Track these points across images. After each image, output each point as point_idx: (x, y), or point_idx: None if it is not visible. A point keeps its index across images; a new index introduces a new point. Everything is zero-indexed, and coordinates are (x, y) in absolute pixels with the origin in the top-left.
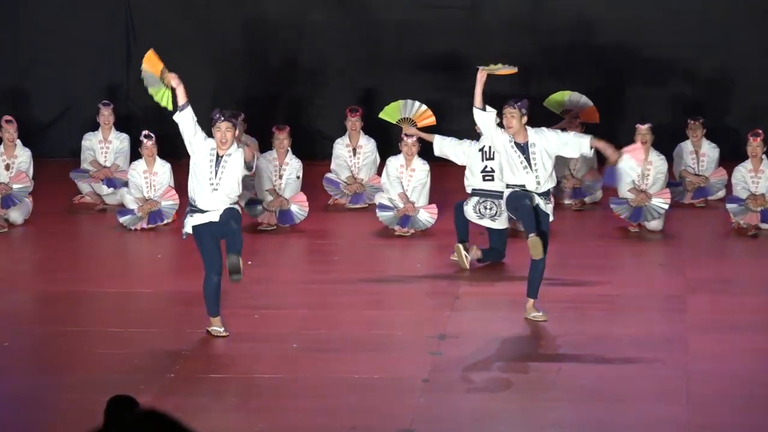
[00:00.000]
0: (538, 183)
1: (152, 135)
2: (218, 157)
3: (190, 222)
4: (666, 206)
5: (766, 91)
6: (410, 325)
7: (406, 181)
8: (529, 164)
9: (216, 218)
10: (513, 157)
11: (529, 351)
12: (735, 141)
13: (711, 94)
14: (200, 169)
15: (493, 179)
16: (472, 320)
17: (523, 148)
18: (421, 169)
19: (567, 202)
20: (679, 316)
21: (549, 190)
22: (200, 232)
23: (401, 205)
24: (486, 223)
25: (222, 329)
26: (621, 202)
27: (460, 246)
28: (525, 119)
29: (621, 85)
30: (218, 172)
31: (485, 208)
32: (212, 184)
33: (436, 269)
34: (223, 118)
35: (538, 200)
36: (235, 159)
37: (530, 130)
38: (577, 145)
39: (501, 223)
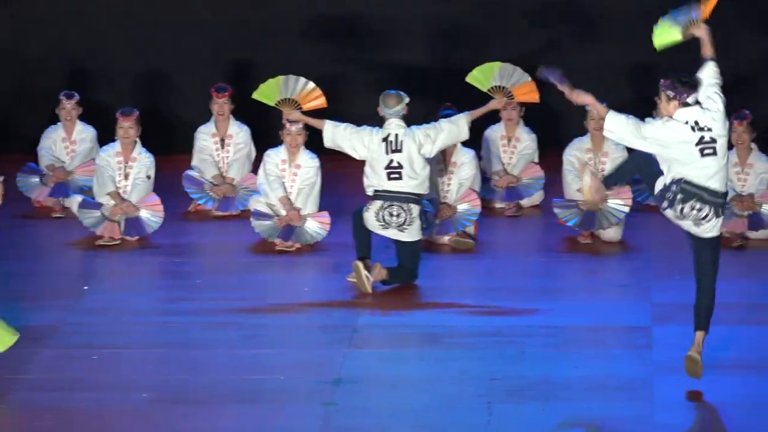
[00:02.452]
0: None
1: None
2: None
3: None
4: (626, 210)
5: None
6: (296, 367)
7: (289, 181)
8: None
9: None
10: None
11: (449, 398)
12: None
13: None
14: None
15: (401, 177)
16: (376, 360)
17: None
18: (309, 165)
19: (499, 205)
20: (643, 354)
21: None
22: None
23: (283, 213)
24: (392, 234)
25: None
26: (568, 206)
27: (360, 264)
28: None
29: (565, 53)
30: None
31: (391, 215)
32: None
33: (329, 294)
34: None
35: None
36: None
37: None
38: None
39: (411, 235)
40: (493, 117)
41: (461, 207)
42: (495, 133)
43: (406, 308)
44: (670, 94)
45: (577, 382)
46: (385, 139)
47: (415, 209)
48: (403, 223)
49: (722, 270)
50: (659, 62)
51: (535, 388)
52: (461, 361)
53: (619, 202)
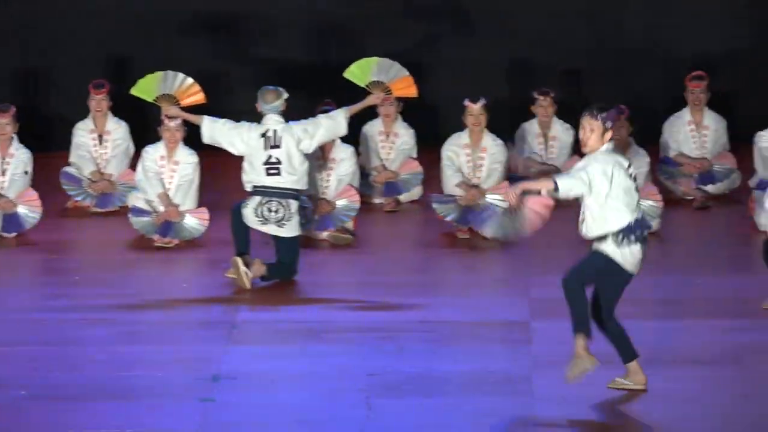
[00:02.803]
0: None
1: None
2: None
3: None
4: (505, 205)
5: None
6: (174, 364)
7: (167, 177)
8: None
9: None
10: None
11: (328, 394)
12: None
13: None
14: None
15: (279, 173)
16: (254, 356)
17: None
18: (188, 161)
19: (378, 201)
20: (522, 349)
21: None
22: None
23: (162, 209)
24: (271, 230)
25: None
26: (447, 201)
27: (239, 260)
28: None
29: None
30: None
31: (269, 211)
32: None
33: (208, 290)
34: None
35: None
36: None
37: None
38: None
39: (290, 230)
40: (372, 112)
41: (340, 203)
42: (373, 128)
43: (284, 304)
44: (609, 124)
45: (456, 377)
46: (263, 135)
47: (294, 205)
48: (282, 219)
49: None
50: (537, 58)
51: (413, 383)
52: (340, 357)
53: (498, 197)
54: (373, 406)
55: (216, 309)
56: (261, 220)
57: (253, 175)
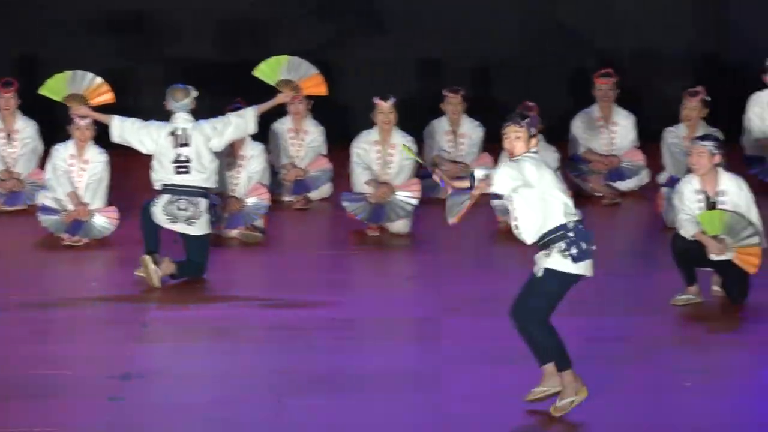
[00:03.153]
0: None
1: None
2: None
3: None
4: (415, 201)
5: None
6: (83, 362)
7: (77, 175)
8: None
9: None
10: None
11: (239, 392)
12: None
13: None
14: None
15: (189, 171)
16: (165, 354)
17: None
18: (98, 160)
19: (288, 199)
20: (432, 345)
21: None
22: None
23: (71, 207)
24: (180, 228)
25: None
26: (356, 199)
27: (148, 258)
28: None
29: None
30: None
31: (179, 209)
32: None
33: (117, 289)
34: None
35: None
36: None
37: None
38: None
39: (199, 228)
40: (281, 110)
41: (250, 200)
42: (283, 126)
43: (195, 302)
44: (533, 130)
45: (367, 375)
46: (172, 133)
47: (203, 203)
48: (191, 217)
49: (509, 257)
50: (446, 56)
51: (325, 381)
52: (250, 355)
53: (408, 194)
54: (284, 404)
55: (126, 307)
56: (170, 219)
57: (162, 174)
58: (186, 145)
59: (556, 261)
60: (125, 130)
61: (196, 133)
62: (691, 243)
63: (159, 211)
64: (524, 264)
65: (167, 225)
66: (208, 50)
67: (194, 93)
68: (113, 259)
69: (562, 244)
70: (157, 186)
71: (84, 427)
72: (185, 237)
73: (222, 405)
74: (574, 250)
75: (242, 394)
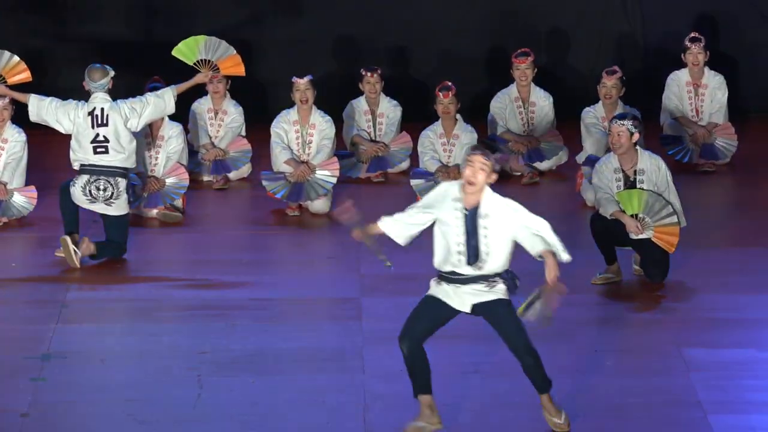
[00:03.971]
0: None
1: None
2: None
3: None
4: (333, 180)
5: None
6: (4, 343)
7: None
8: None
9: None
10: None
11: (160, 372)
12: (419, 98)
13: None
14: None
15: (107, 151)
16: (85, 335)
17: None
18: (16, 140)
19: (207, 178)
20: (353, 325)
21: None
22: None
23: None
24: (99, 208)
25: None
26: (276, 178)
27: (68, 239)
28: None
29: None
30: None
31: (98, 189)
32: None
33: (37, 269)
34: None
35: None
36: None
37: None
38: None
39: (119, 209)
40: (200, 90)
41: (169, 180)
42: (202, 106)
43: (114, 282)
44: (497, 167)
45: (287, 354)
46: (90, 113)
47: (122, 183)
48: (110, 197)
49: (426, 236)
50: (361, 34)
51: (245, 361)
52: (171, 335)
53: (327, 173)
54: (205, 384)
55: (45, 288)
56: (89, 199)
57: (80, 154)
58: (104, 125)
59: (505, 292)
60: (43, 109)
61: (114, 113)
62: (611, 222)
63: (78, 192)
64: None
65: (86, 205)
66: (125, 30)
67: (112, 73)
68: (33, 240)
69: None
70: (75, 166)
71: (5, 408)
72: (104, 217)
73: (143, 385)
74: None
75: (163, 374)
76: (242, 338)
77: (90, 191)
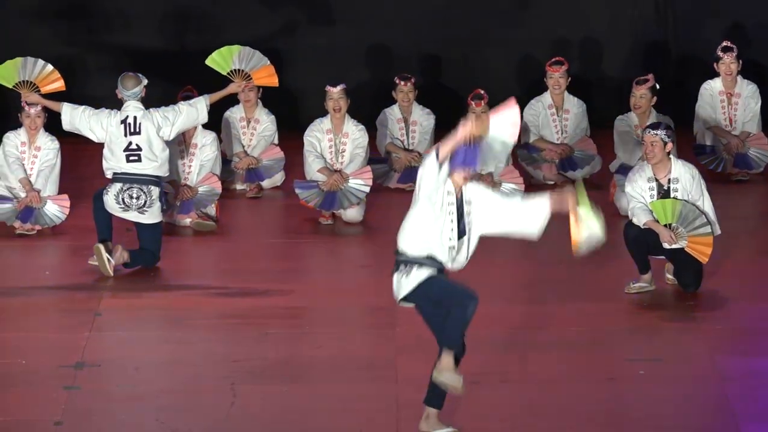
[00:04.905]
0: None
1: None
2: None
3: None
4: (367, 189)
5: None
6: (37, 351)
7: (29, 163)
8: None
9: None
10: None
11: (193, 380)
12: (452, 107)
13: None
14: None
15: (140, 159)
16: (118, 343)
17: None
18: (49, 147)
19: (240, 187)
20: (386, 333)
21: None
22: None
23: (23, 195)
24: (133, 216)
25: None
26: (309, 186)
27: (101, 247)
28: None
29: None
30: None
31: (131, 198)
32: None
33: (70, 278)
34: None
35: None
36: None
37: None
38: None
39: (152, 217)
40: (233, 99)
41: (202, 189)
42: (234, 115)
43: (148, 291)
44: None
45: (320, 363)
46: (123, 122)
47: (155, 191)
48: (144, 206)
49: None
50: (396, 43)
51: (278, 370)
52: (204, 344)
53: (361, 182)
54: (238, 392)
55: (79, 296)
56: (122, 207)
57: (113, 162)
58: (137, 133)
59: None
60: (76, 117)
61: (147, 122)
62: (644, 231)
63: (111, 200)
64: (477, 252)
65: (119, 213)
66: (159, 39)
67: (145, 81)
68: (66, 248)
69: None
70: (108, 174)
71: (38, 417)
72: (138, 225)
73: (175, 393)
74: None
75: (195, 382)
76: (275, 346)
77: (123, 199)
